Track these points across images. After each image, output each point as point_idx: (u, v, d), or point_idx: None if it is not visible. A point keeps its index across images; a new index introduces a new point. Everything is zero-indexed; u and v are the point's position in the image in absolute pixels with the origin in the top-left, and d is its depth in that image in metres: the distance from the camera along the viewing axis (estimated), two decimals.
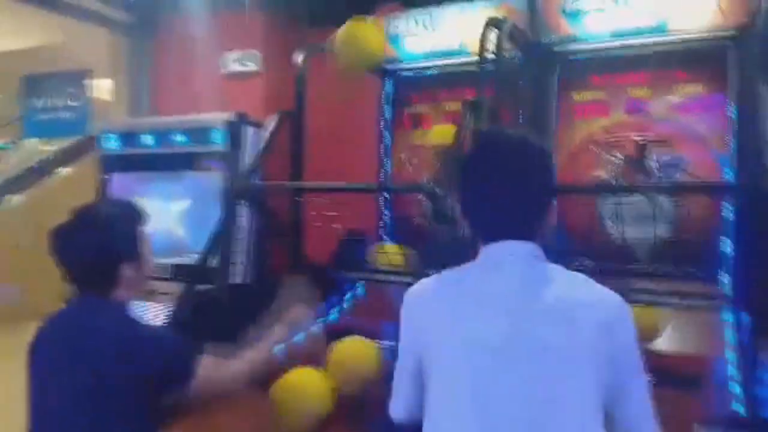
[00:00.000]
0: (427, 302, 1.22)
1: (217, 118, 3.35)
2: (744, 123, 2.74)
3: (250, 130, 3.35)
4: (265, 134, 2.79)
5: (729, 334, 2.31)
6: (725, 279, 2.57)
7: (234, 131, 3.31)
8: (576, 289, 1.13)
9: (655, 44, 2.94)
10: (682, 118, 2.93)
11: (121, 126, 3.81)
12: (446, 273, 1.24)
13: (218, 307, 2.48)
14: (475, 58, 3.25)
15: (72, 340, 1.56)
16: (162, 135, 3.58)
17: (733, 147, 2.81)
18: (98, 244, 1.60)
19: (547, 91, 3.18)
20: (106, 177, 3.65)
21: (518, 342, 1.08)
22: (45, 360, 1.60)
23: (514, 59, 3.01)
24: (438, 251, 2.94)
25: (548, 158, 1.18)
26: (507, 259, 1.16)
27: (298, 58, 2.98)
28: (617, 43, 3.00)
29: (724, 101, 2.87)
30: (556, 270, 1.17)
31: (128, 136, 3.67)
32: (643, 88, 3.04)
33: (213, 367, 1.63)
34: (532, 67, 3.11)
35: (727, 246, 2.67)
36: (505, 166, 1.16)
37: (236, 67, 3.99)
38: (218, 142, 3.33)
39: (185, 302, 2.25)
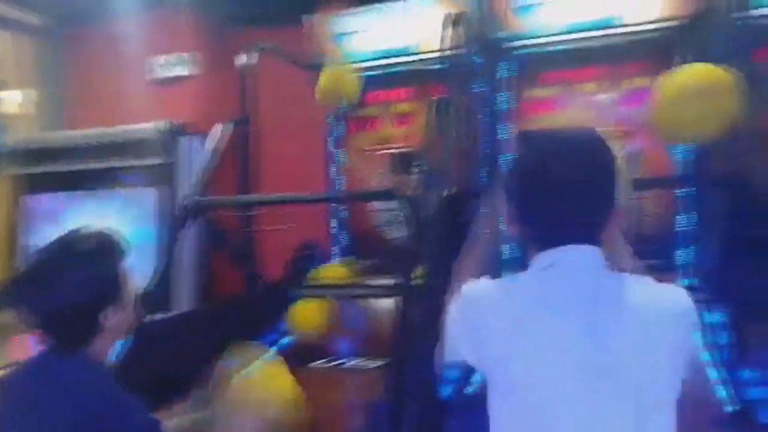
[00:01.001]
0: (488, 310, 1.10)
1: (148, 128, 3.06)
2: None
3: (187, 141, 3.08)
4: (211, 144, 2.52)
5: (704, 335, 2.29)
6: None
7: (169, 142, 3.04)
8: (649, 294, 1.07)
9: (605, 37, 2.91)
10: (635, 111, 2.92)
11: (36, 141, 3.44)
12: (506, 279, 1.13)
13: (170, 339, 2.23)
14: (426, 56, 3.19)
15: (38, 407, 1.30)
16: (85, 150, 3.25)
17: None
18: (75, 289, 1.34)
19: (500, 88, 3.09)
20: (21, 199, 3.29)
21: (599, 356, 1.01)
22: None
23: (469, 56, 2.92)
24: (402, 258, 2.85)
25: (614, 157, 1.08)
26: (575, 266, 1.06)
27: (243, 59, 2.74)
28: (567, 37, 2.95)
29: None
30: (626, 277, 1.09)
31: (45, 153, 3.31)
32: (595, 82, 3.02)
33: None
34: (488, 64, 3.01)
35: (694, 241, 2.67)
36: (575, 168, 1.04)
37: (166, 73, 3.69)
38: (152, 155, 3.05)
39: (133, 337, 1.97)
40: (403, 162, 3.16)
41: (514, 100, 3.08)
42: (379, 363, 2.65)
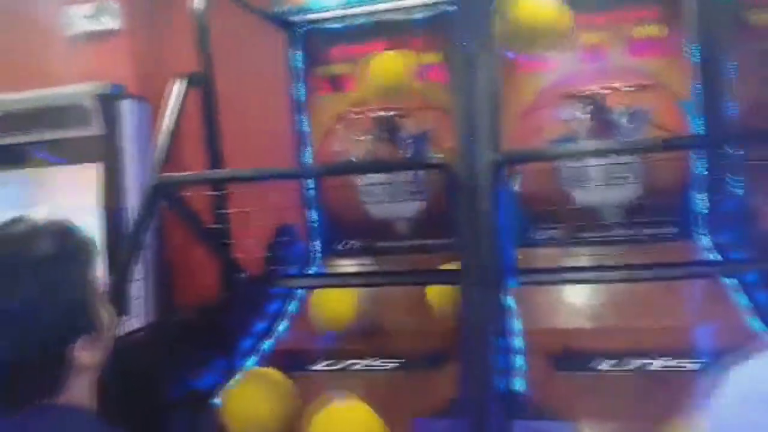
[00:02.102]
0: None
1: (81, 91, 2.48)
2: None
3: (127, 105, 2.53)
4: (169, 107, 2.01)
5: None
6: None
7: (109, 108, 2.47)
8: None
9: None
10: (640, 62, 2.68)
11: None
12: None
13: (150, 353, 1.78)
14: (405, 3, 2.79)
15: None
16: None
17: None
18: (30, 319, 0.87)
19: None
20: None
21: None
22: None
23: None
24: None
25: None
26: None
27: (196, 3, 2.23)
28: None
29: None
30: None
31: None
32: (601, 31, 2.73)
33: None
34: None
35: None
36: None
37: (87, 26, 3.04)
38: (87, 124, 2.47)
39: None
40: (388, 127, 2.78)
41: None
42: (393, 363, 2.32)
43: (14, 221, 0.93)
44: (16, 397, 0.89)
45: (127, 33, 3.02)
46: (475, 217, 1.46)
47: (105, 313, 0.97)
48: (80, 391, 0.93)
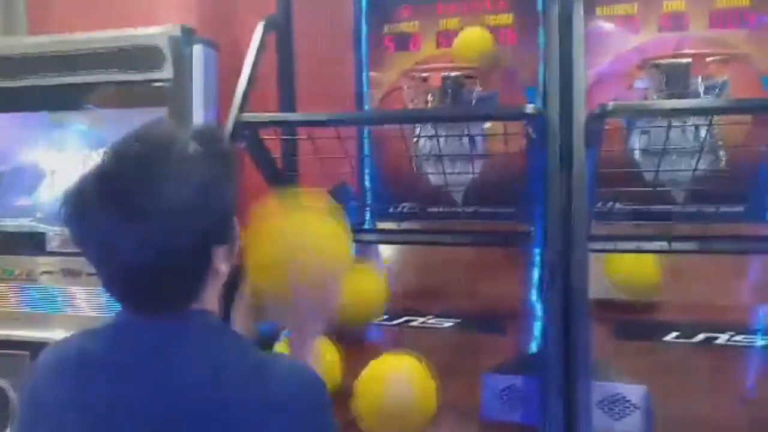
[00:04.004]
0: None
1: (155, 34, 2.48)
2: None
3: (200, 51, 2.53)
4: (252, 52, 1.99)
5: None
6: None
7: (180, 53, 2.47)
8: None
9: None
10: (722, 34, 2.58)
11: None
12: None
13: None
14: None
15: (153, 401, 0.86)
16: (65, 60, 2.63)
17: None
18: (192, 218, 0.85)
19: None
20: None
21: None
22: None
23: None
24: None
25: None
26: None
27: None
28: None
29: None
30: None
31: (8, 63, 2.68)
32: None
33: None
34: None
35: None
36: None
37: None
38: (159, 67, 2.48)
39: None
40: (454, 87, 2.74)
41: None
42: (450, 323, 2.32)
43: (157, 121, 0.93)
44: (161, 299, 0.90)
45: None
46: (568, 174, 1.43)
47: (237, 227, 0.98)
48: (211, 299, 0.94)
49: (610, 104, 1.41)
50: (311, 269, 1.06)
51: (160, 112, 2.51)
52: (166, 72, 2.46)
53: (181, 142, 0.89)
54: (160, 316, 0.89)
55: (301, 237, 1.10)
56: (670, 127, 1.99)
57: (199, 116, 2.50)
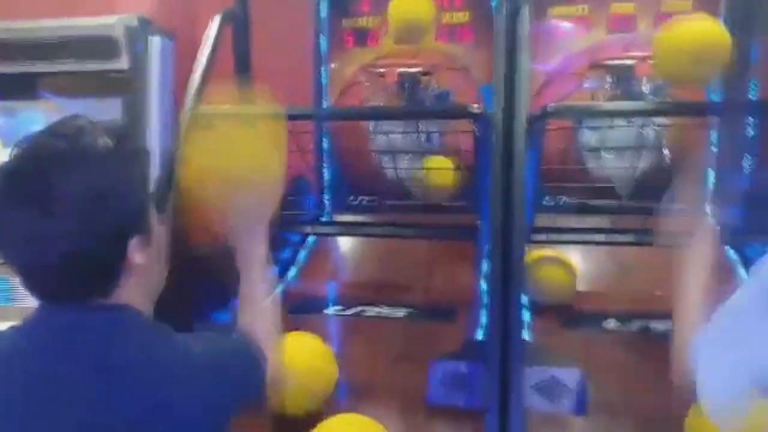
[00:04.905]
0: None
1: (110, 23, 2.46)
2: None
3: (157, 42, 2.52)
4: (207, 44, 2.01)
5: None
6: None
7: (136, 43, 2.47)
8: None
9: None
10: None
11: None
12: None
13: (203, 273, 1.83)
14: None
15: (70, 385, 0.89)
16: (19, 48, 2.59)
17: None
18: (101, 209, 0.88)
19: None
20: None
21: None
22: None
23: None
24: None
25: None
26: None
27: None
28: None
29: None
30: None
31: None
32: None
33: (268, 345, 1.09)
34: None
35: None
36: None
37: None
38: (115, 58, 2.47)
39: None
40: (411, 84, 2.79)
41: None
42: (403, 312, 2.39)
43: (72, 117, 0.94)
44: (71, 293, 0.91)
45: None
46: (509, 170, 1.51)
47: (154, 218, 1.00)
48: (131, 292, 0.96)
49: (550, 106, 1.49)
50: (246, 173, 1.08)
51: (115, 102, 2.50)
52: (122, 62, 2.45)
53: (90, 137, 0.91)
54: (76, 311, 0.91)
55: (234, 144, 1.12)
56: (611, 126, 2.09)
57: (155, 106, 2.50)
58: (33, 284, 0.91)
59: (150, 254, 0.97)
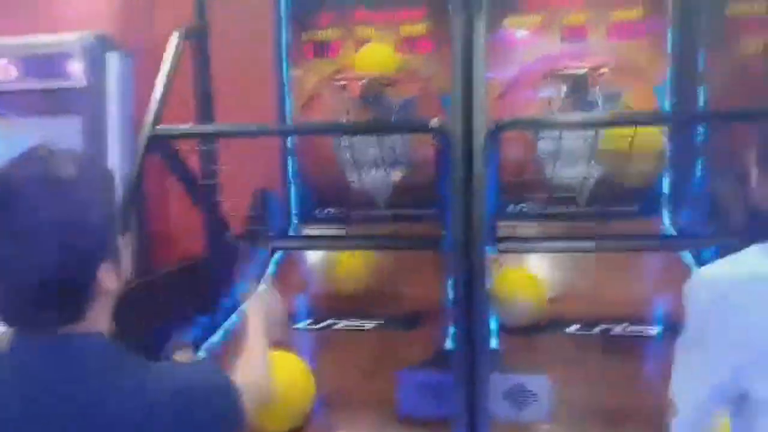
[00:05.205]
0: (752, 304, 0.88)
1: (68, 40, 2.43)
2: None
3: (115, 59, 2.50)
4: (168, 61, 2.00)
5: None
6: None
7: (94, 60, 2.44)
8: None
9: None
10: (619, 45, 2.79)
11: None
12: (749, 260, 0.92)
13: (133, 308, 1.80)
14: None
15: (45, 416, 0.88)
16: None
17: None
18: (70, 237, 0.89)
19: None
20: None
21: None
22: None
23: None
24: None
25: None
26: None
27: None
28: None
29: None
30: None
31: None
32: (583, 12, 2.83)
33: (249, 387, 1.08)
34: None
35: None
36: None
37: None
38: (72, 76, 2.44)
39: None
40: (373, 96, 2.82)
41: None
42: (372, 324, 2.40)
43: (36, 147, 0.95)
44: (43, 320, 0.91)
45: None
46: (468, 183, 1.54)
47: (121, 243, 1.00)
48: (100, 316, 0.96)
49: (504, 120, 1.53)
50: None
51: (74, 119, 2.47)
52: (80, 79, 2.43)
53: (56, 167, 0.92)
54: (49, 337, 0.91)
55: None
56: (560, 137, 2.15)
57: (114, 123, 2.48)
58: (4, 312, 0.90)
59: (120, 276, 0.98)
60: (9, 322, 0.92)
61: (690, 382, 0.96)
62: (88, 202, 0.92)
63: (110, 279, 0.95)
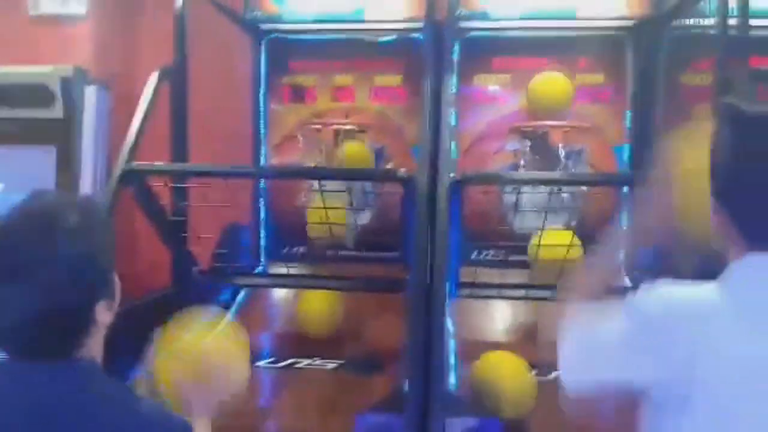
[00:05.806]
0: (697, 323, 0.96)
1: (46, 72, 2.48)
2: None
3: (92, 92, 2.55)
4: (147, 97, 2.06)
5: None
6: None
7: (71, 93, 2.49)
8: None
9: (560, 29, 2.90)
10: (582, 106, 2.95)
11: None
12: (705, 286, 1.00)
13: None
14: (375, 24, 2.95)
15: None
16: None
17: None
18: (74, 275, 0.97)
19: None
20: None
21: None
22: None
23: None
24: None
25: None
26: None
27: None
28: (522, 24, 2.90)
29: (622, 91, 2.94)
30: None
31: None
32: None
33: None
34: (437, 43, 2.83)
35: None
36: None
37: (53, 8, 3.03)
38: (50, 106, 2.48)
39: None
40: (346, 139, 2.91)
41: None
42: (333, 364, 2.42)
43: (41, 194, 1.03)
44: (44, 350, 0.99)
45: (90, 19, 3.04)
46: (432, 231, 1.61)
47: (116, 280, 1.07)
48: (93, 348, 1.04)
49: (466, 174, 1.63)
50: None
51: (50, 150, 2.50)
52: (57, 111, 2.47)
53: (63, 215, 1.00)
54: (47, 366, 0.99)
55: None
56: (519, 192, 2.26)
57: (89, 155, 2.51)
58: (5, 344, 0.99)
59: (113, 312, 1.05)
60: (7, 351, 1.00)
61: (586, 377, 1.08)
62: (90, 247, 1.02)
63: (106, 315, 1.04)
